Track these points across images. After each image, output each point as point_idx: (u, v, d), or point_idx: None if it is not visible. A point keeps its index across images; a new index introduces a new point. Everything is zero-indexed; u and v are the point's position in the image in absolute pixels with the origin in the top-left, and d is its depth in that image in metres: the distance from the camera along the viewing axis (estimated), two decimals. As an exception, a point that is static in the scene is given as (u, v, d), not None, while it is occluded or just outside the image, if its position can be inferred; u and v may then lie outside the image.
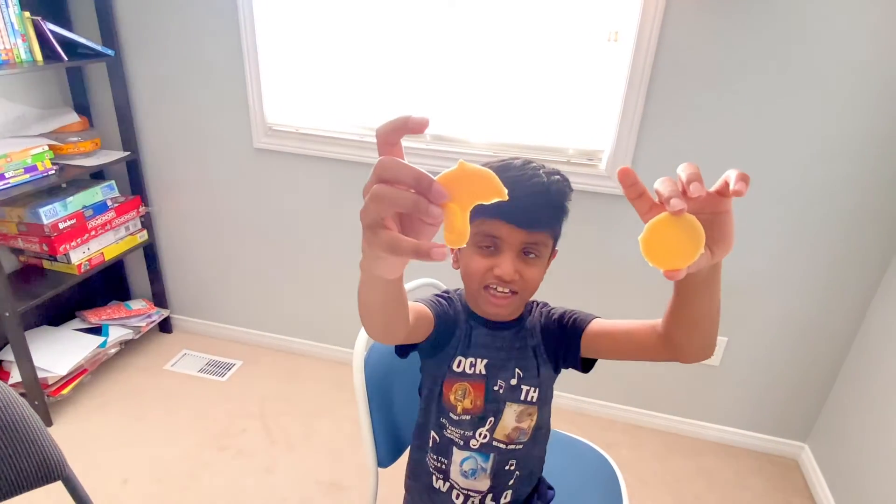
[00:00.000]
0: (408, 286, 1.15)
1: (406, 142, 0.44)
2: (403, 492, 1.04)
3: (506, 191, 0.44)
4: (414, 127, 0.43)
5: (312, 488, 1.72)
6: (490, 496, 0.92)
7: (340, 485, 1.74)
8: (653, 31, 1.55)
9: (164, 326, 2.42)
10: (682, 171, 0.51)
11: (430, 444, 0.93)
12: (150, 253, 2.29)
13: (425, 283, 1.20)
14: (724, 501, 1.79)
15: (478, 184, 0.44)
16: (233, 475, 1.75)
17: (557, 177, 0.79)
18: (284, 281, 2.24)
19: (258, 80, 1.89)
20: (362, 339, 1.01)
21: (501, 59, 1.73)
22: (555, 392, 2.18)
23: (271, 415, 2.01)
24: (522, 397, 0.88)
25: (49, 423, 1.88)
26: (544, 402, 0.90)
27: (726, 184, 0.51)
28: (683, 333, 0.71)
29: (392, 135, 0.43)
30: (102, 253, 2.03)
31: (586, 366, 0.87)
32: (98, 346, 2.05)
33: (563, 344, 0.86)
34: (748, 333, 1.87)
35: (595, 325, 0.84)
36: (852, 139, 1.56)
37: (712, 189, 0.52)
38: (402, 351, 0.85)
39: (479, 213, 0.78)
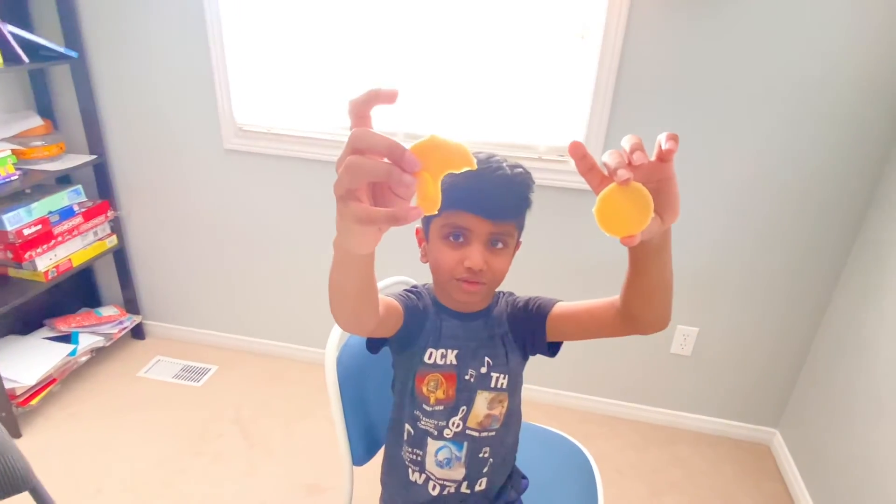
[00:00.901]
0: (379, 285, 1.15)
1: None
2: (380, 489, 1.04)
3: (475, 160, 0.46)
4: (385, 98, 0.44)
5: (292, 491, 1.71)
6: (465, 484, 0.93)
7: (320, 486, 1.73)
8: (619, 28, 1.58)
9: (137, 333, 2.38)
10: (626, 142, 0.54)
11: (406, 437, 0.93)
12: (120, 258, 2.25)
13: (397, 280, 1.20)
14: (698, 488, 1.83)
15: (449, 153, 0.46)
16: (210, 481, 1.73)
17: (520, 169, 0.81)
18: (259, 283, 2.22)
19: (226, 81, 1.87)
20: (334, 338, 1.01)
21: (474, 57, 1.73)
22: (535, 387, 2.20)
23: (248, 419, 1.99)
24: (493, 385, 0.89)
25: (17, 434, 1.83)
26: (514, 389, 0.91)
27: (661, 151, 0.54)
28: (640, 304, 0.73)
29: (364, 106, 0.45)
30: (70, 259, 1.99)
31: (553, 350, 0.89)
32: (68, 355, 2.01)
33: (529, 329, 0.88)
34: (718, 324, 1.91)
35: (558, 308, 0.87)
36: (812, 134, 1.60)
37: (653, 157, 0.55)
38: (374, 346, 0.86)
39: (447, 205, 0.78)
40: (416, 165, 0.43)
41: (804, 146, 1.63)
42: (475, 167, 0.46)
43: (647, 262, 0.67)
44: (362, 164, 0.42)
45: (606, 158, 0.54)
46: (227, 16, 1.80)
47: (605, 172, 0.55)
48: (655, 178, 0.55)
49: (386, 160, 0.43)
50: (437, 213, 0.47)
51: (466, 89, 1.78)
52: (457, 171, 0.47)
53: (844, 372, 1.66)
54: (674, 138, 0.53)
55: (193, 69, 1.89)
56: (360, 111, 0.45)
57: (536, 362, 0.94)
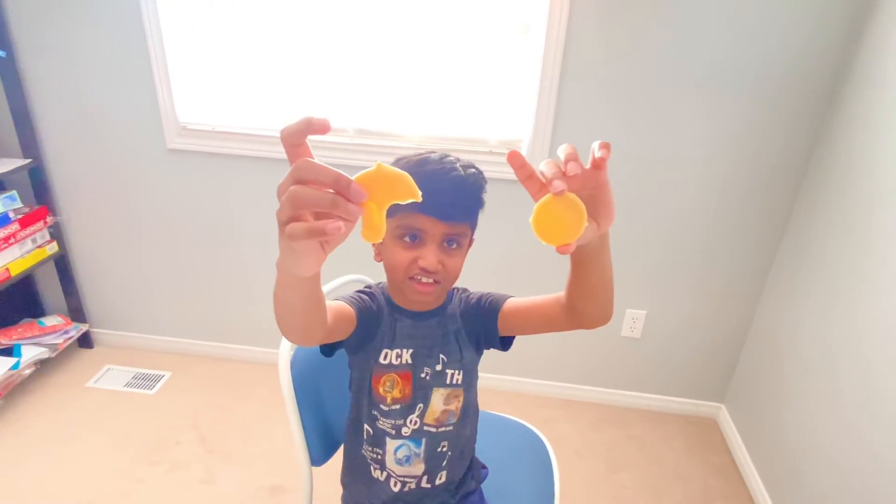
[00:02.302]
0: (334, 283, 1.15)
1: (330, 136, 0.46)
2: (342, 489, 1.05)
3: (420, 193, 0.48)
4: (316, 128, 0.44)
5: (253, 494, 1.70)
6: (425, 479, 0.95)
7: (282, 488, 1.72)
8: (561, 21, 1.61)
9: (84, 342, 2.30)
10: (562, 152, 0.55)
11: (365, 437, 0.94)
12: (62, 265, 2.16)
13: (352, 279, 1.20)
14: (652, 464, 1.91)
15: (394, 185, 0.47)
16: (169, 489, 1.70)
17: (473, 170, 0.82)
18: (209, 285, 2.17)
19: (167, 79, 1.82)
20: (287, 341, 1.01)
21: (423, 53, 1.74)
22: (493, 375, 2.24)
23: (206, 424, 1.96)
24: (448, 381, 0.90)
25: (-42, 454, 1.75)
26: (469, 384, 0.93)
27: (595, 160, 0.55)
28: (583, 302, 0.75)
29: (296, 136, 0.45)
30: (8, 269, 1.90)
31: (505, 344, 0.91)
32: (10, 368, 1.92)
33: (481, 325, 0.90)
34: (664, 306, 1.99)
35: (509, 304, 0.88)
36: (748, 118, 1.68)
37: (588, 166, 0.56)
38: (328, 350, 0.86)
39: (401, 207, 0.79)
40: (361, 196, 0.44)
41: (741, 137, 1.70)
42: (420, 199, 0.48)
43: (587, 264, 0.69)
44: (306, 194, 0.43)
45: (543, 168, 0.56)
46: (165, 11, 1.74)
47: (543, 180, 0.57)
48: (590, 185, 0.57)
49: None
50: (380, 241, 0.48)
51: (418, 85, 1.78)
52: (402, 202, 0.48)
53: (782, 347, 1.76)
54: (606, 147, 0.55)
55: (132, 67, 1.82)
56: (295, 140, 0.45)
57: (494, 351, 0.95)
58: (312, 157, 0.45)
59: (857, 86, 1.52)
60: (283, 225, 0.45)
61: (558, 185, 0.52)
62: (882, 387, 1.30)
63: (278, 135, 0.45)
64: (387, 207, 0.48)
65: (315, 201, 0.43)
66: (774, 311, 1.83)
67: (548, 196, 0.55)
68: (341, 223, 0.43)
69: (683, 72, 1.64)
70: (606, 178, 0.58)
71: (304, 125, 0.44)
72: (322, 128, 0.44)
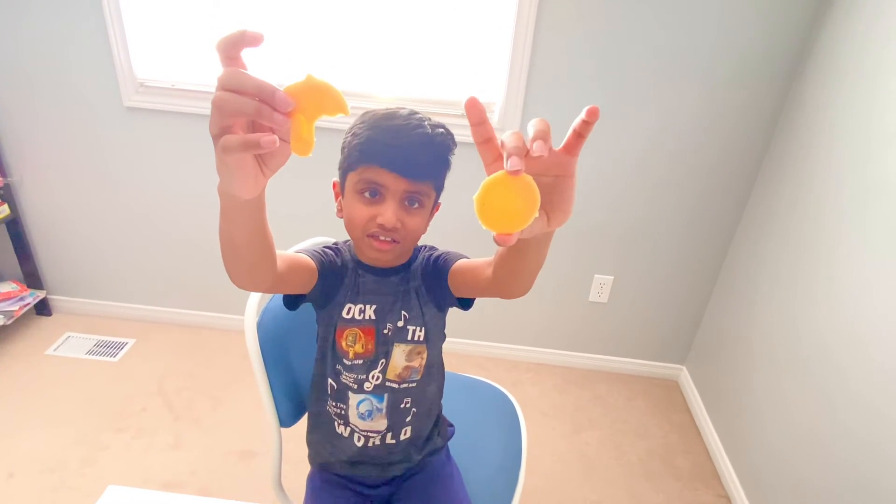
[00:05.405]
0: (302, 245, 1.13)
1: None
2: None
3: (349, 106, 0.46)
4: (250, 40, 0.44)
5: (222, 459, 1.69)
6: (389, 435, 0.95)
7: (251, 452, 1.72)
8: (534, -20, 1.57)
9: (42, 309, 2.23)
10: (532, 126, 0.47)
11: (329, 392, 0.94)
12: (14, 229, 2.07)
13: (321, 241, 1.18)
14: (615, 423, 1.97)
15: (324, 96, 0.46)
16: (134, 455, 1.68)
17: (441, 129, 0.80)
18: (173, 250, 2.12)
19: (122, 32, 1.72)
20: (253, 303, 0.99)
21: (395, 11, 1.68)
22: (464, 340, 2.24)
23: (172, 391, 1.93)
24: (409, 337, 0.90)
25: None
26: (433, 341, 0.93)
27: (575, 134, 0.48)
28: (508, 277, 0.71)
29: (231, 49, 0.44)
30: (-46, 232, 1.81)
31: (464, 304, 0.89)
32: (-38, 336, 1.85)
33: (436, 284, 0.88)
34: (630, 272, 2.03)
35: (458, 264, 0.85)
36: (715, 96, 1.69)
37: (560, 146, 0.49)
38: (291, 302, 0.86)
39: (363, 161, 0.78)
40: (288, 105, 0.43)
41: (711, 103, 1.72)
42: (348, 113, 0.46)
43: (523, 252, 0.64)
44: (229, 100, 0.43)
45: (505, 138, 0.47)
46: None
47: (502, 151, 0.48)
48: (554, 172, 0.50)
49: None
50: (309, 155, 0.47)
51: (390, 45, 1.73)
52: (331, 116, 0.46)
53: (741, 313, 1.82)
54: (594, 112, 0.46)
55: (84, 17, 1.71)
56: (229, 53, 0.44)
57: (467, 316, 0.93)
58: (246, 70, 0.44)
59: (816, 69, 1.55)
60: (216, 139, 0.44)
61: (515, 162, 0.45)
62: (833, 347, 1.36)
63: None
64: (316, 120, 0.46)
65: (239, 107, 0.43)
66: (734, 280, 1.88)
67: (500, 173, 0.47)
68: (276, 137, 0.43)
69: (658, 42, 1.63)
70: (574, 169, 0.50)
71: (238, 36, 0.44)
72: (254, 40, 0.44)
